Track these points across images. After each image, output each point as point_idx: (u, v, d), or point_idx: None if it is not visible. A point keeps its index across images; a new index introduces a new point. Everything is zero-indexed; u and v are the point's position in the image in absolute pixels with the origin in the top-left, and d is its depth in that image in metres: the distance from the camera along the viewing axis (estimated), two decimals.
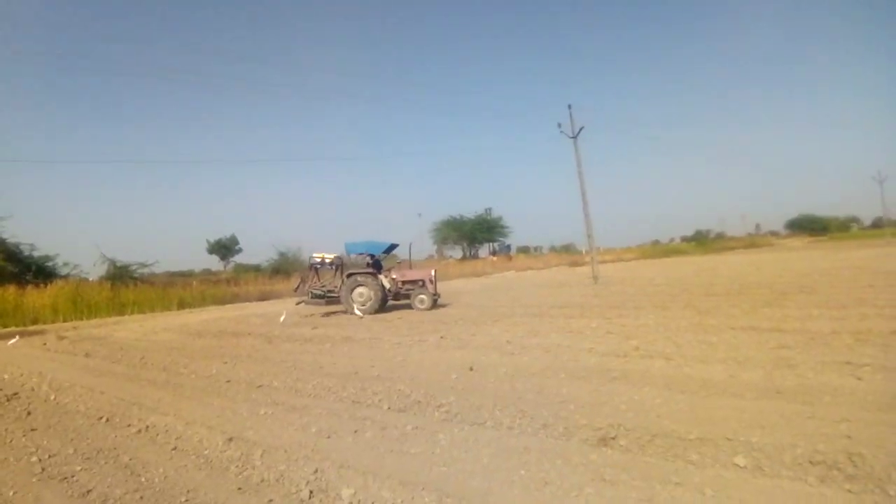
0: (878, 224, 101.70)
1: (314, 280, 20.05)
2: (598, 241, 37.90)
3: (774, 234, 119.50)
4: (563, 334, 10.50)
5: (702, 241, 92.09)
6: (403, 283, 19.06)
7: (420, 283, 19.00)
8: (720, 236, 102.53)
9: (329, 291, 19.23)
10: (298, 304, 20.33)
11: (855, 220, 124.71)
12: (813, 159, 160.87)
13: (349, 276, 18.77)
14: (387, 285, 18.72)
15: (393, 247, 20.55)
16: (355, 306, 18.04)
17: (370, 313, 17.75)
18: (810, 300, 12.89)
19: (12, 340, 16.66)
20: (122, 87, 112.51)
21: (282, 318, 17.56)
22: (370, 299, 18.18)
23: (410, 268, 20.56)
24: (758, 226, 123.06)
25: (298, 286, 21.22)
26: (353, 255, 19.94)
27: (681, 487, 3.61)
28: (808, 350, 7.50)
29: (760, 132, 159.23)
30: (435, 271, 19.80)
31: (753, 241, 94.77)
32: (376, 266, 19.61)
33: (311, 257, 20.40)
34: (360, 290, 18.29)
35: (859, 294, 13.31)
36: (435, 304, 18.45)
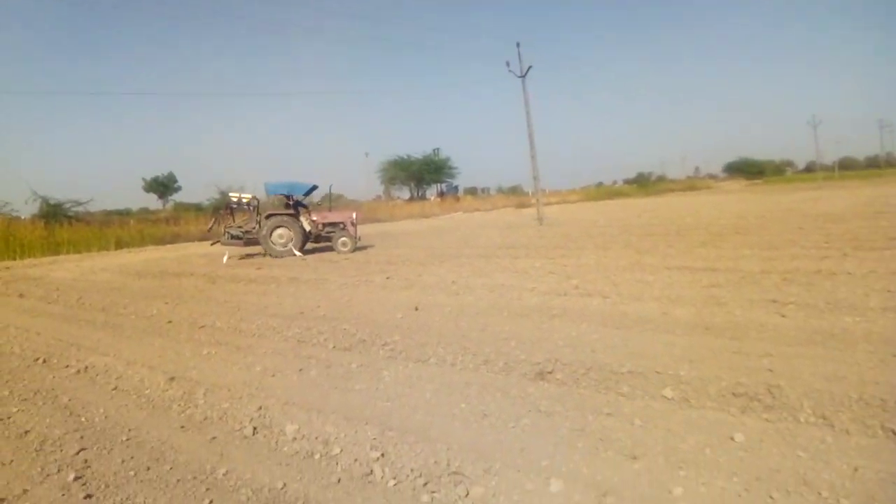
0: (811, 168, 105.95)
1: (230, 221, 19.56)
2: (544, 183, 38.41)
3: (713, 177, 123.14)
4: (507, 274, 10.69)
5: (643, 184, 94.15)
6: (324, 225, 18.82)
7: (341, 225, 18.77)
8: (661, 179, 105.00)
9: (247, 232, 18.71)
10: (213, 244, 19.90)
11: (790, 164, 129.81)
12: (751, 103, 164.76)
13: (268, 216, 18.39)
14: (307, 227, 18.50)
15: (314, 188, 20.17)
16: (277, 247, 17.87)
17: (289, 255, 17.63)
18: (743, 241, 13.41)
19: None
20: (56, 13, 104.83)
21: (224, 259, 17.24)
22: (290, 240, 17.98)
23: (330, 210, 20.25)
24: (697, 169, 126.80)
25: (212, 226, 20.87)
26: (272, 197, 19.51)
27: (611, 418, 3.81)
28: (738, 289, 7.85)
29: (701, 76, 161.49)
30: (356, 214, 19.61)
31: (693, 183, 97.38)
32: (296, 208, 19.29)
33: (227, 196, 19.86)
34: (279, 231, 18.03)
35: (790, 236, 13.91)
36: (356, 248, 18.38)
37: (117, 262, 20.34)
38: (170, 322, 8.22)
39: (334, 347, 6.20)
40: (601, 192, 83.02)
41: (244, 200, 19.39)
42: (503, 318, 7.03)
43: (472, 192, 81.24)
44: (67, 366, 6.20)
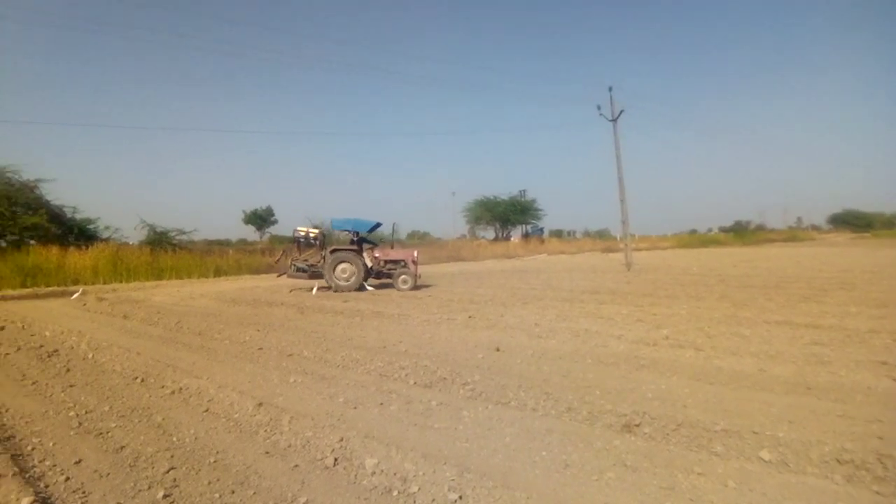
0: None
1: (297, 254, 20.30)
2: (634, 227, 37.49)
3: (816, 228, 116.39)
4: (592, 319, 10.44)
5: (741, 233, 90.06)
6: (385, 262, 19.26)
7: (402, 263, 19.20)
8: (760, 228, 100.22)
9: (312, 266, 19.46)
10: (280, 276, 20.62)
11: None
12: (858, 153, 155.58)
13: (333, 251, 19.05)
14: (369, 263, 18.93)
15: (377, 225, 20.63)
16: (340, 281, 18.42)
17: (352, 290, 18.13)
18: (849, 297, 12.54)
19: (76, 294, 17.46)
20: (167, 56, 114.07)
21: (314, 291, 17.80)
22: (353, 275, 18.47)
23: (393, 248, 20.57)
24: (799, 219, 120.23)
25: (279, 258, 21.55)
26: (337, 231, 20.01)
27: (703, 477, 3.58)
28: (844, 348, 7.33)
29: (806, 123, 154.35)
30: (417, 252, 19.91)
31: (794, 234, 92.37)
32: (360, 243, 19.76)
33: (295, 231, 20.67)
34: (342, 265, 18.60)
35: None
36: (416, 286, 18.59)
37: (215, 289, 21.40)
38: (260, 349, 8.52)
39: (415, 383, 6.21)
40: (695, 239, 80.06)
41: (311, 235, 20.17)
42: (587, 365, 6.83)
43: (557, 234, 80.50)
44: (163, 386, 6.51)
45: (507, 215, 71.16)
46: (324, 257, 19.20)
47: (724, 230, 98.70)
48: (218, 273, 29.10)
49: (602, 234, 78.18)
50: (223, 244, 45.71)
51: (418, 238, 65.16)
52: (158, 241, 31.38)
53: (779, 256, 34.91)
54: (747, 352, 7.26)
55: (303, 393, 5.96)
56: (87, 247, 26.78)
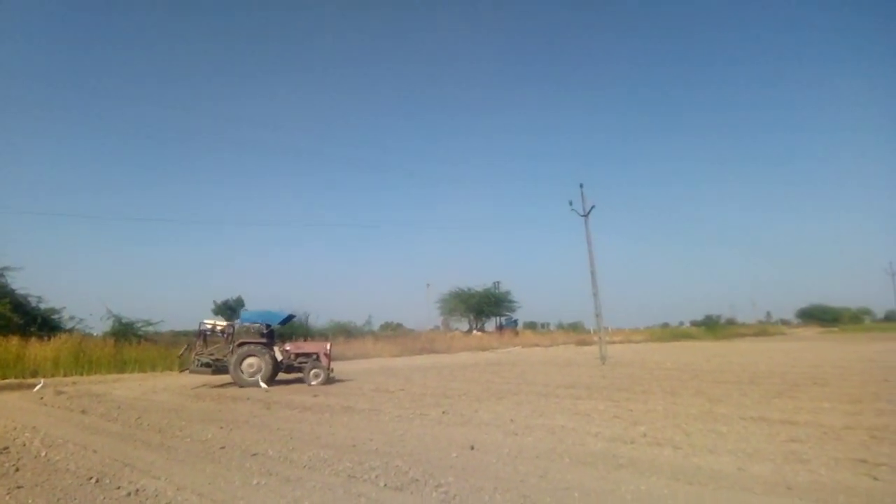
0: (890, 317, 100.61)
1: (202, 348, 19.65)
2: (607, 320, 37.61)
3: (785, 322, 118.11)
4: (568, 416, 10.25)
5: (711, 326, 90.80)
6: (297, 355, 18.82)
7: (314, 356, 18.69)
8: (730, 322, 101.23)
9: (217, 360, 18.78)
10: (182, 371, 19.99)
11: (867, 311, 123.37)
12: (825, 249, 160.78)
13: (240, 345, 18.51)
14: (279, 357, 18.46)
15: (290, 317, 20.40)
16: (245, 375, 17.81)
17: (256, 385, 17.52)
18: (823, 392, 12.58)
19: (38, 386, 16.76)
20: (132, 145, 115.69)
21: (263, 386, 17.22)
22: (259, 370, 17.89)
23: (305, 340, 20.24)
24: (768, 313, 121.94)
25: (183, 352, 20.91)
26: (247, 324, 19.68)
27: None
28: (821, 445, 7.26)
29: (773, 220, 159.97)
30: (330, 345, 19.53)
31: (764, 328, 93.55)
32: (270, 336, 19.37)
33: (201, 323, 20.18)
34: (249, 360, 18.04)
35: (874, 388, 12.99)
36: (329, 380, 18.14)
37: (178, 382, 20.68)
38: (223, 448, 8.13)
39: (385, 485, 5.93)
40: (667, 333, 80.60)
41: (218, 328, 19.71)
42: (565, 465, 6.63)
43: (531, 326, 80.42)
44: (119, 487, 6.11)
45: (482, 307, 71.20)
46: (231, 351, 18.62)
47: (695, 324, 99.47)
48: (183, 366, 28.25)
49: (576, 327, 78.26)
50: (190, 335, 44.60)
51: (391, 329, 64.55)
52: (123, 332, 30.67)
53: (750, 351, 35.19)
54: (725, 449, 7.14)
55: (266, 496, 5.64)
56: (50, 337, 26.02)
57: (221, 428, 9.81)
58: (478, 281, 76.56)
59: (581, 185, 28.36)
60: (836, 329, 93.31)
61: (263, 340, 18.88)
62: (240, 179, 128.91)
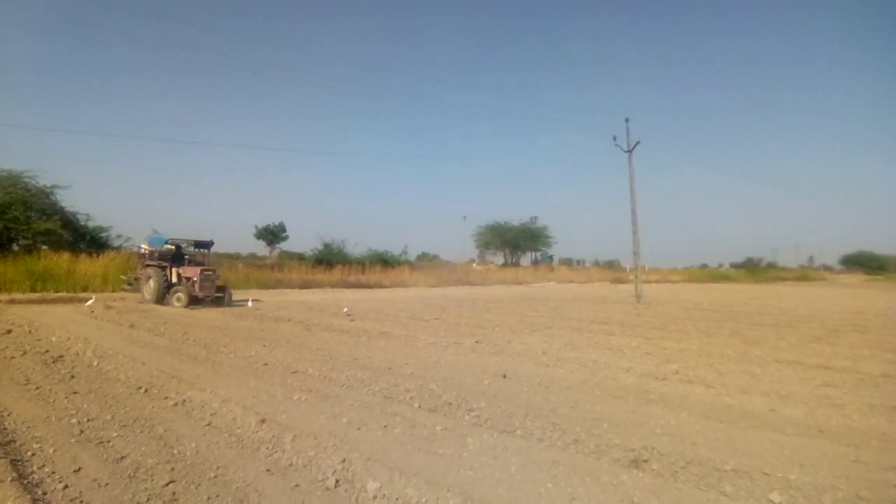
0: None
1: (141, 269, 20.85)
2: (645, 260, 37.25)
3: (828, 268, 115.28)
4: (601, 350, 10.34)
5: (752, 270, 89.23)
6: (181, 277, 19.32)
7: (189, 280, 19.06)
8: (771, 266, 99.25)
9: (136, 279, 20.51)
10: (123, 288, 21.71)
11: None
12: (874, 195, 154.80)
13: (146, 266, 19.94)
14: (173, 279, 19.28)
15: (205, 244, 20.71)
16: (145, 293, 19.42)
17: (152, 302, 18.81)
18: (862, 339, 12.38)
19: (90, 301, 17.63)
20: (184, 69, 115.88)
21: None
22: (152, 289, 19.19)
23: (205, 264, 20.21)
24: (811, 258, 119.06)
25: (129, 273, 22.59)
26: (161, 247, 20.07)
27: None
28: (857, 391, 7.21)
29: (821, 163, 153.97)
30: (213, 271, 19.71)
31: (806, 273, 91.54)
32: (178, 260, 20.04)
33: (139, 247, 21.58)
34: (150, 281, 19.38)
35: None
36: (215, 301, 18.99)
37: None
38: (265, 364, 8.47)
39: (420, 407, 6.14)
40: (706, 274, 79.51)
41: (144, 250, 20.68)
42: (595, 397, 6.74)
43: (567, 262, 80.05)
44: (166, 397, 6.46)
45: (518, 241, 71.05)
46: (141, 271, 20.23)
47: (735, 266, 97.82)
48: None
49: (612, 265, 77.65)
50: (233, 257, 45.67)
51: (427, 260, 65.02)
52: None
53: (790, 295, 34.62)
54: (758, 390, 7.14)
55: (306, 411, 5.90)
56: (99, 254, 26.89)
57: (264, 346, 10.18)
58: (515, 215, 76.16)
59: (627, 120, 27.58)
60: (881, 277, 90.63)
61: (162, 263, 19.73)
62: (288, 107, 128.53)
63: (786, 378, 8.00)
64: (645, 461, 4.45)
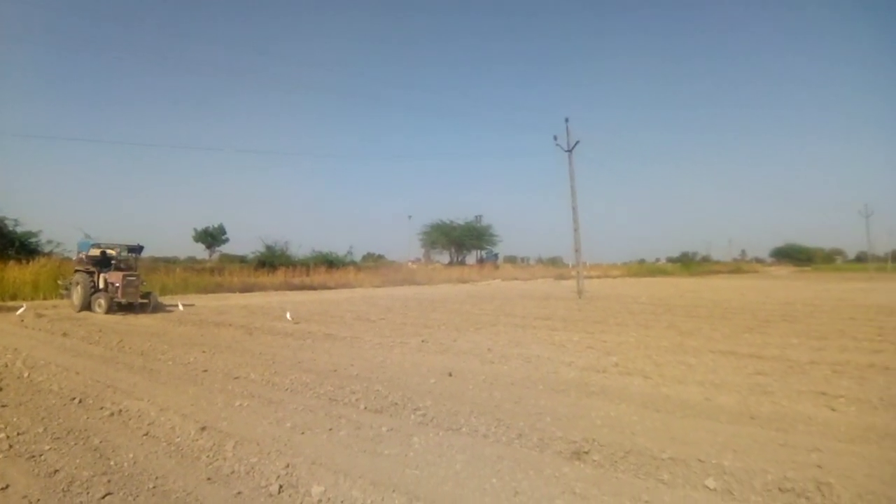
0: (861, 258, 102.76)
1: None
2: (586, 256, 38.01)
3: (759, 261, 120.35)
4: (544, 346, 10.54)
5: (687, 263, 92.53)
6: (107, 283, 18.92)
7: (112, 285, 18.60)
8: (706, 259, 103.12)
9: (70, 284, 20.05)
10: (61, 294, 21.31)
11: (839, 252, 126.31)
12: (801, 191, 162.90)
13: (75, 271, 19.72)
14: (100, 285, 18.92)
15: (135, 248, 20.47)
16: (74, 299, 19.06)
17: (78, 309, 18.42)
18: (791, 329, 13.01)
19: (20, 310, 16.75)
20: (116, 69, 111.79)
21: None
22: (79, 295, 18.76)
23: (128, 269, 19.81)
24: (743, 252, 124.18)
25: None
26: (87, 251, 19.68)
27: None
28: (785, 378, 7.56)
29: (752, 159, 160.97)
30: (136, 276, 19.17)
31: (738, 266, 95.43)
32: (106, 264, 19.57)
33: (78, 253, 20.86)
34: (78, 287, 18.99)
35: (840, 326, 13.46)
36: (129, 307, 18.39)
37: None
38: (205, 371, 8.27)
39: (365, 408, 6.12)
40: (643, 268, 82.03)
41: (80, 254, 20.16)
42: (538, 392, 6.87)
43: (511, 260, 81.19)
44: (102, 407, 6.24)
45: (463, 240, 71.61)
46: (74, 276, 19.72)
47: (671, 261, 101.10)
48: (164, 292, 28.18)
49: (555, 262, 79.20)
50: (170, 261, 44.29)
51: (373, 260, 64.70)
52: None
53: (724, 288, 36.01)
54: (693, 380, 7.42)
55: (248, 417, 5.80)
56: (28, 261, 25.72)
57: (204, 352, 9.94)
58: (460, 214, 76.77)
59: (566, 120, 28.04)
60: (808, 268, 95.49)
61: (90, 269, 19.22)
62: (227, 107, 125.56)
63: (719, 368, 8.33)
64: (586, 453, 4.57)
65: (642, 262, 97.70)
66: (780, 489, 3.80)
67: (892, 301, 21.99)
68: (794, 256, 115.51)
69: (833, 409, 5.93)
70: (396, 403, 6.27)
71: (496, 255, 74.51)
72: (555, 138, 27.88)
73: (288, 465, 4.29)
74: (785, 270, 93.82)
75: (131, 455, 4.65)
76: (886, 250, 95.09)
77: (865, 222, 79.20)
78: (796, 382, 7.29)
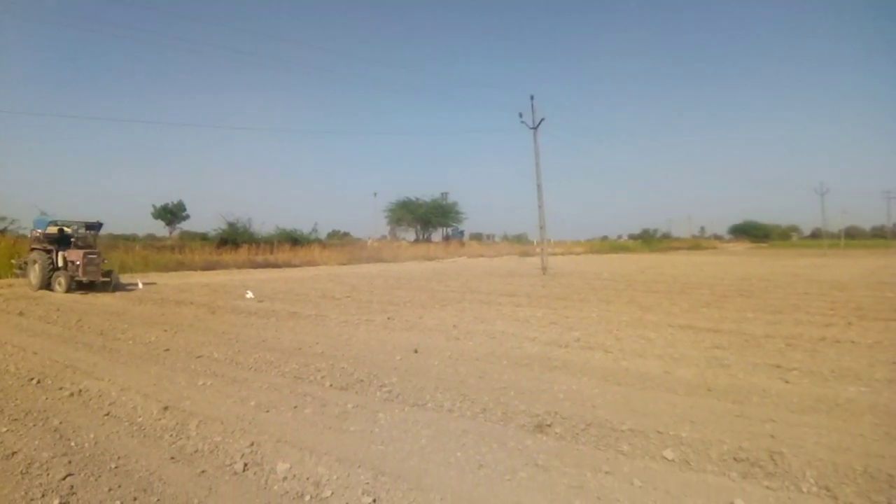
0: (816, 234, 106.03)
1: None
2: (550, 233, 38.42)
3: (718, 237, 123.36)
4: (508, 322, 10.66)
5: (648, 240, 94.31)
6: (66, 261, 18.58)
7: (73, 264, 18.17)
8: (666, 236, 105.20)
9: (24, 263, 19.54)
10: (15, 273, 20.89)
11: (795, 229, 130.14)
12: (760, 168, 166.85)
13: (32, 249, 19.17)
14: (59, 263, 18.56)
15: (93, 225, 20.10)
16: (31, 278, 18.54)
17: (37, 288, 18.01)
18: (748, 303, 13.39)
19: None
20: (72, 41, 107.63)
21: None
22: (37, 274, 18.37)
23: (87, 247, 19.48)
24: (702, 228, 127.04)
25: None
26: (45, 229, 19.29)
27: (610, 476, 3.72)
28: (742, 351, 7.81)
29: (712, 138, 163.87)
30: (97, 254, 18.72)
31: (697, 243, 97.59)
32: (64, 242, 19.10)
33: (32, 231, 20.39)
34: (36, 265, 18.59)
35: (794, 301, 13.91)
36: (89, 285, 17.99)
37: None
38: (167, 350, 8.16)
39: (331, 386, 6.13)
40: (606, 245, 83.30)
41: (35, 233, 19.70)
42: (503, 367, 6.97)
43: (477, 237, 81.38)
44: (61, 388, 6.13)
45: (429, 217, 71.47)
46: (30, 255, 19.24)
47: (633, 237, 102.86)
48: (123, 270, 27.52)
49: (520, 239, 79.68)
50: (129, 239, 43.26)
51: (338, 238, 64.22)
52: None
53: (683, 264, 36.82)
54: (653, 354, 7.62)
55: (212, 396, 5.76)
56: None
57: (165, 331, 9.79)
58: (425, 192, 76.52)
59: (531, 98, 28.07)
60: (765, 245, 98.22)
61: (48, 247, 18.73)
62: (186, 81, 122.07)
63: (678, 342, 8.56)
64: (548, 425, 4.68)
65: (605, 239, 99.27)
66: (734, 459, 3.95)
67: (843, 277, 22.78)
68: (751, 233, 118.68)
69: (787, 382, 6.16)
70: (362, 380, 6.29)
71: (462, 233, 74.65)
72: (520, 115, 27.93)
73: (252, 444, 4.29)
74: (742, 247, 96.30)
75: (92, 435, 4.59)
76: (840, 227, 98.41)
77: (821, 200, 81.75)
78: (752, 355, 7.53)
